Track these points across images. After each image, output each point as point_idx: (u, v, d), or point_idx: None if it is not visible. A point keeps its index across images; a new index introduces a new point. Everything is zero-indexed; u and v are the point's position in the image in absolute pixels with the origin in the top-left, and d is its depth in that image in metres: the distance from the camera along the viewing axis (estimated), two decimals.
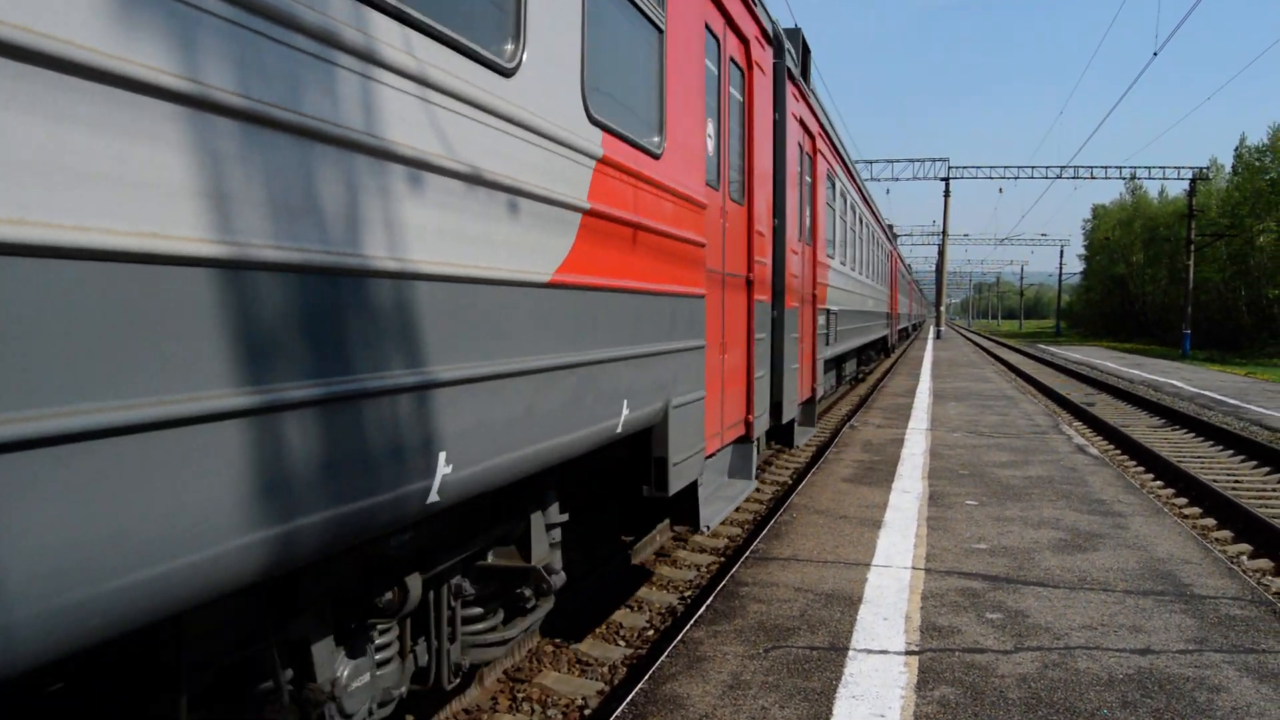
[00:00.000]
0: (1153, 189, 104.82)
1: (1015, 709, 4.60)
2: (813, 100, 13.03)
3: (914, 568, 7.03)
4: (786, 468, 14.33)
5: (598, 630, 7.17)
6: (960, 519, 8.61)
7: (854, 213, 20.53)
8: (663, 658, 5.26)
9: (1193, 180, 59.65)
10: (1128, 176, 63.77)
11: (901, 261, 51.61)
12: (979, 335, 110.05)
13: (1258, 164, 66.88)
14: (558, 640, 6.87)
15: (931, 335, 65.28)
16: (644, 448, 5.87)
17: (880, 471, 11.09)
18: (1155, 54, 27.95)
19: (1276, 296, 54.52)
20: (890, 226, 45.71)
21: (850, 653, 5.32)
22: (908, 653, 5.32)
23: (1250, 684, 4.91)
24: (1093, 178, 60.43)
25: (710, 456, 7.32)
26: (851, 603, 6.20)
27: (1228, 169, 77.18)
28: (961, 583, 6.67)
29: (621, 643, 7.03)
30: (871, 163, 58.50)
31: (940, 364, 34.82)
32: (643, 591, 8.10)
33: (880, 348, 34.79)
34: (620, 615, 7.51)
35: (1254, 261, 65.26)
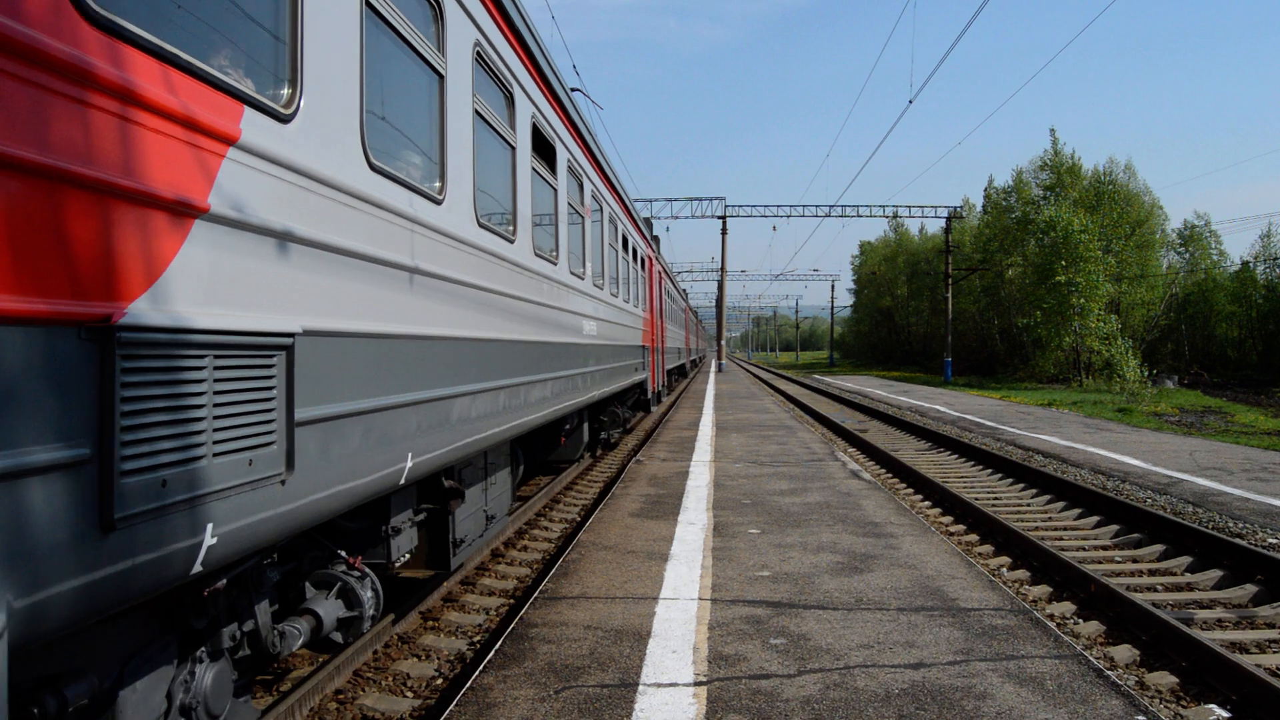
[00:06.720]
0: (913, 226, 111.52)
1: None
2: (660, 258, 29.55)
3: (701, 598, 7.13)
4: (574, 504, 14.33)
5: (384, 682, 6.91)
6: (744, 548, 8.81)
7: (668, 293, 34.31)
8: (451, 707, 5.11)
9: (948, 219, 63.83)
10: (891, 215, 67.53)
11: (691, 311, 65.97)
12: (759, 367, 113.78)
13: (1004, 204, 72.32)
14: (341, 695, 6.59)
15: (714, 369, 66.98)
16: None
17: (666, 504, 11.23)
18: (910, 101, 29.75)
19: (1025, 325, 58.87)
20: (685, 293, 60.20)
21: (640, 688, 5.32)
22: (696, 684, 5.36)
23: (1012, 689, 5.20)
24: (859, 216, 63.73)
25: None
26: (640, 637, 6.21)
27: (979, 208, 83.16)
28: (746, 610, 6.80)
29: (409, 694, 6.80)
30: (652, 201, 59.79)
31: (722, 396, 35.76)
32: (429, 639, 7.87)
33: (681, 372, 46.53)
34: (408, 665, 7.27)
35: (1004, 293, 70.43)
